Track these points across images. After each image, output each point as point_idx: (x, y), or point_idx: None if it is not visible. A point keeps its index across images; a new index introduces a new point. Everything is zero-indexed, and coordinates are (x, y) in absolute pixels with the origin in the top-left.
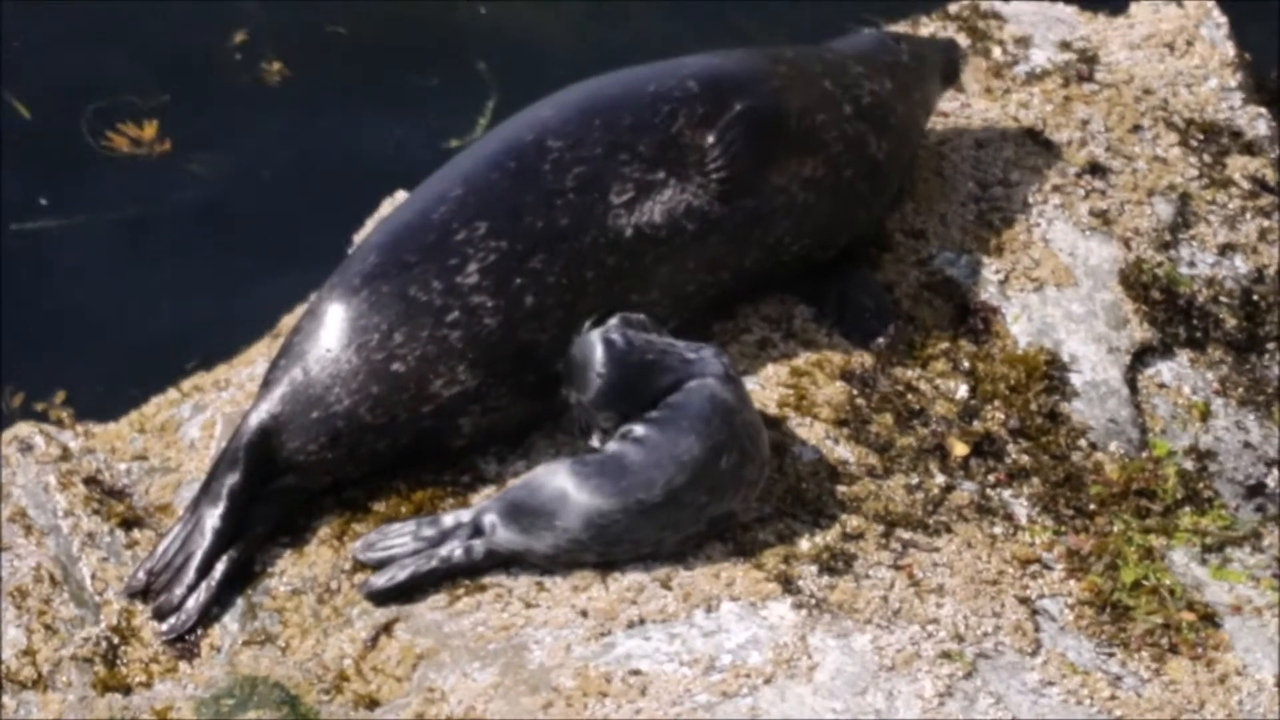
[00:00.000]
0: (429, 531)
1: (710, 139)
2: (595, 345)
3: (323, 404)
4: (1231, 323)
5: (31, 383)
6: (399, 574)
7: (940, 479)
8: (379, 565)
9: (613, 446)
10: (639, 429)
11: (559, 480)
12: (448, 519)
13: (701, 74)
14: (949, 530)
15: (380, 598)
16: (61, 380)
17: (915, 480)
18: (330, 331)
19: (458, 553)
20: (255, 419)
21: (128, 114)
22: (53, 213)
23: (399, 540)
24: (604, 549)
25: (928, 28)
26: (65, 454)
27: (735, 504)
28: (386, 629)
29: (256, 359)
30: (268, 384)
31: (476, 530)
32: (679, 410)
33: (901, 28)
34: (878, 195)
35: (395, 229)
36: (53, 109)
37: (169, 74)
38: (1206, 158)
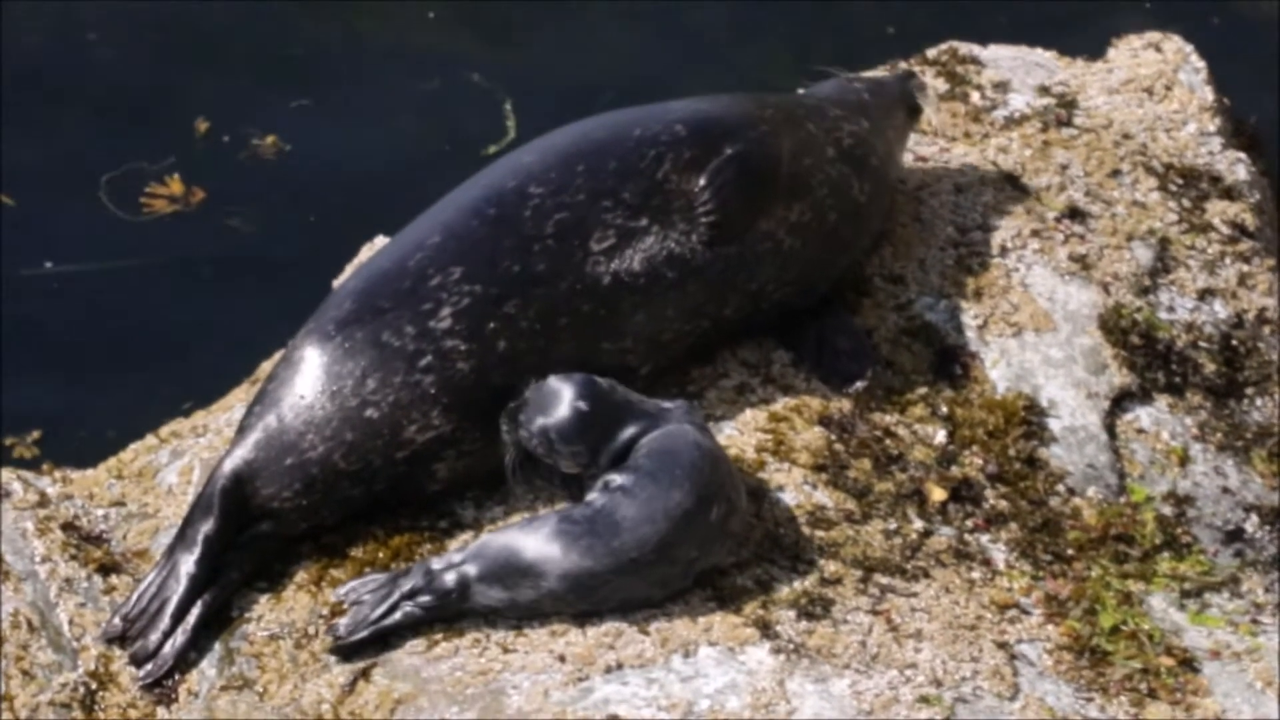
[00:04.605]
0: (406, 584)
1: (700, 182)
2: (574, 378)
3: (297, 450)
4: (1210, 368)
5: (13, 420)
6: (363, 630)
7: (918, 524)
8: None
9: (600, 500)
10: (627, 479)
11: (544, 540)
12: (420, 572)
13: (689, 118)
14: (927, 575)
15: (343, 652)
16: (41, 420)
17: (893, 525)
18: (304, 378)
19: (419, 614)
20: (229, 465)
21: (146, 179)
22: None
23: (374, 593)
24: (591, 606)
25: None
26: (43, 500)
27: (722, 558)
28: (364, 674)
29: (235, 405)
30: (242, 430)
31: (449, 587)
32: (669, 459)
33: (880, 72)
34: (859, 239)
35: (371, 275)
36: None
37: (163, 155)
38: (1186, 202)
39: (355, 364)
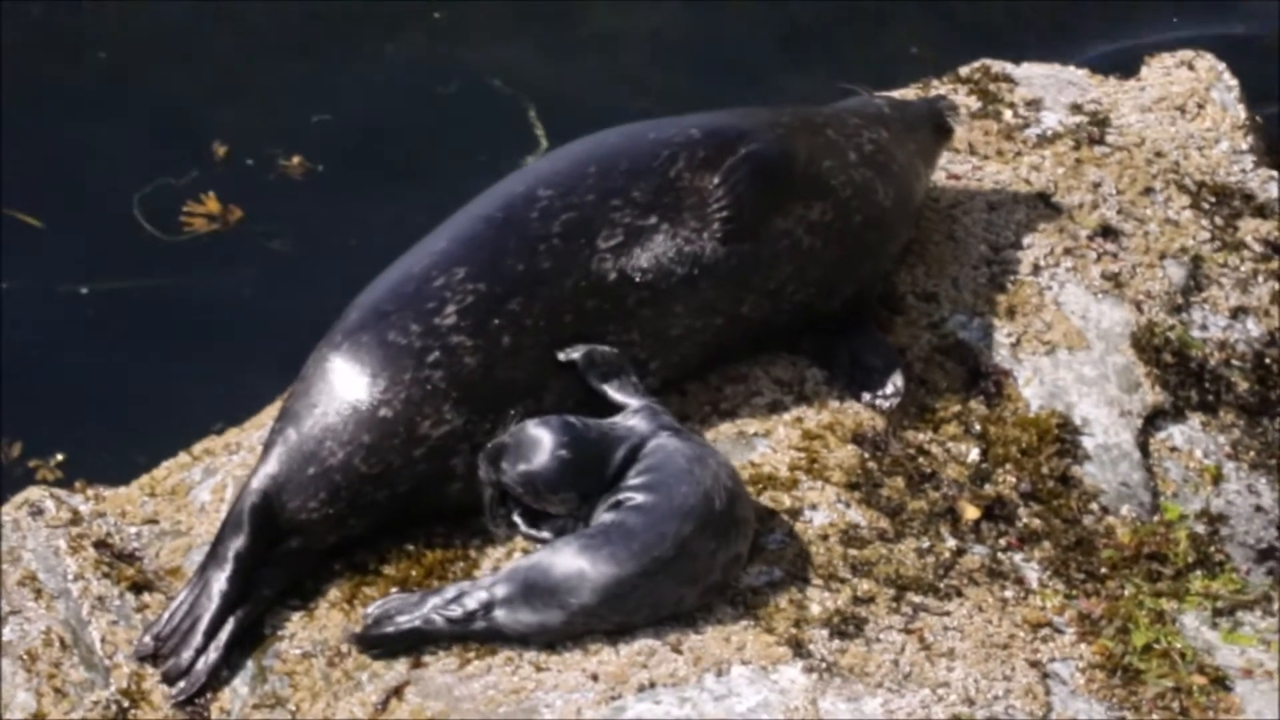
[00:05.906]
0: (434, 599)
1: (715, 180)
2: (551, 425)
3: (317, 459)
4: (1243, 386)
5: (40, 441)
6: (387, 626)
7: (951, 542)
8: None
9: (610, 517)
10: (632, 497)
11: (570, 558)
12: (452, 590)
13: (704, 123)
14: (960, 594)
15: (362, 642)
16: (74, 442)
17: (926, 544)
18: (317, 387)
19: (443, 625)
20: (255, 482)
21: (178, 196)
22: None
23: (403, 605)
24: (625, 616)
25: (939, 90)
26: (75, 518)
27: (742, 545)
28: (397, 692)
29: (266, 422)
30: (266, 447)
31: (474, 607)
32: (659, 471)
33: (912, 91)
34: (884, 245)
35: (376, 287)
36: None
37: (187, 171)
38: (1218, 220)
39: (364, 366)
